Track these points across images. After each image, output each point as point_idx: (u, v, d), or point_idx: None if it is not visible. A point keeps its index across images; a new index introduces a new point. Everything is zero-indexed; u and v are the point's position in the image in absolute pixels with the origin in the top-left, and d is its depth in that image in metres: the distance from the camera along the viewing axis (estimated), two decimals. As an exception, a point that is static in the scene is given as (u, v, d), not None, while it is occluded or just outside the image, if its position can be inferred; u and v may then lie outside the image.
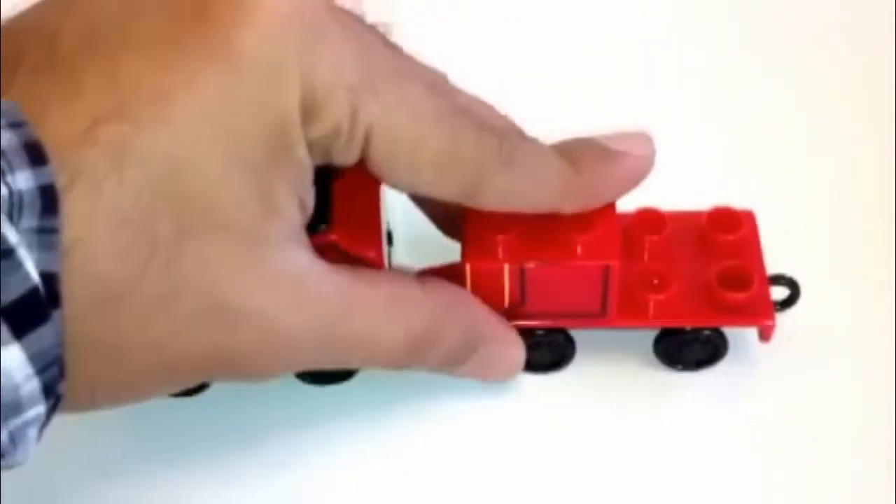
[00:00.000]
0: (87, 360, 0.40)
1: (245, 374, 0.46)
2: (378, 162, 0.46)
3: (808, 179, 0.65)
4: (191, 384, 0.49)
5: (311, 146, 0.44)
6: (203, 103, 0.40)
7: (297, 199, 0.44)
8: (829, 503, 0.52)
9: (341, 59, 0.43)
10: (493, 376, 0.55)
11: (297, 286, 0.44)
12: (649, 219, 0.56)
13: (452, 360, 0.51)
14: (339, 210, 0.52)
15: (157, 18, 0.41)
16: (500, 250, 0.52)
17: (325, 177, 0.53)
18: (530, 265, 0.52)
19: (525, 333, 0.55)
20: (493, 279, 0.53)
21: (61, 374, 0.38)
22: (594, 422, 0.55)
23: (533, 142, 0.50)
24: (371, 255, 0.52)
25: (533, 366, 0.56)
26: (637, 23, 0.76)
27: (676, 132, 0.67)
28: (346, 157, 0.45)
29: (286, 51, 0.42)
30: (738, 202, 0.57)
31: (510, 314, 0.54)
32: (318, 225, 0.51)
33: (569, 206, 0.50)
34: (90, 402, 0.43)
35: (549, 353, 0.56)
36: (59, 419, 0.41)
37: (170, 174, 0.40)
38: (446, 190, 0.48)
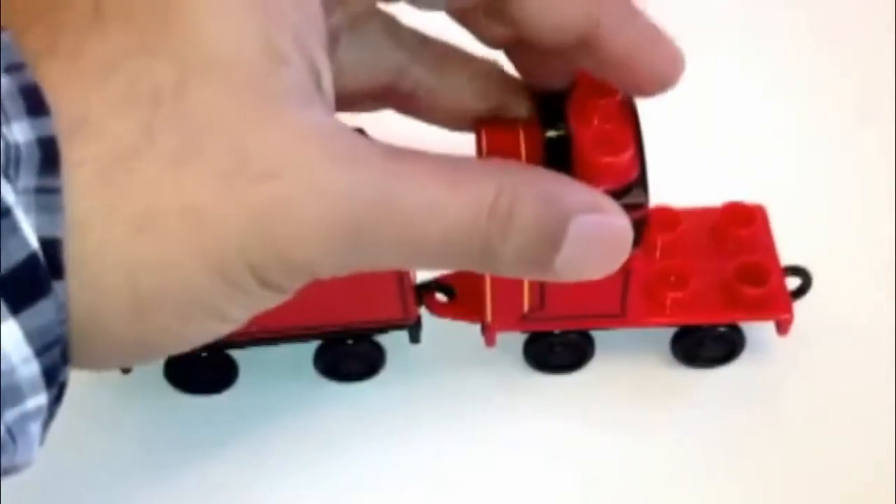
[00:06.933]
0: (105, 291, 0.34)
1: (297, 239, 0.36)
2: None
3: (812, 172, 0.66)
4: (238, 290, 0.36)
5: None
6: None
7: (303, 50, 0.37)
8: (846, 494, 0.53)
9: None
10: (598, 264, 0.40)
11: (329, 140, 0.36)
12: (662, 216, 0.56)
13: (538, 246, 0.39)
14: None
15: None
16: (516, 253, 0.52)
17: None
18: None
19: (544, 334, 0.55)
20: (512, 282, 0.52)
21: (64, 358, 0.33)
22: (615, 421, 0.55)
23: None
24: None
25: (552, 366, 0.57)
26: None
27: (684, 130, 0.68)
28: None
29: None
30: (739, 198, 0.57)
31: (529, 317, 0.54)
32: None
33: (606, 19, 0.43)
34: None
35: (569, 353, 0.56)
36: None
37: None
38: None
